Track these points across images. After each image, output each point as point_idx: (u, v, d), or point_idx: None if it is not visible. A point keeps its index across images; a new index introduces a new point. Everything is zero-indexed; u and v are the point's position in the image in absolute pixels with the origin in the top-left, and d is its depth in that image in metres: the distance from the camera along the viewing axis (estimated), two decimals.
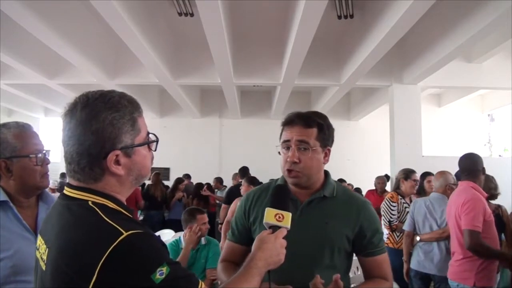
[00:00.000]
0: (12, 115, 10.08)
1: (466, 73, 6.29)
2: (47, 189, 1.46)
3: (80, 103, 0.84)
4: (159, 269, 0.74)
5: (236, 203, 4.18)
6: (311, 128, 1.27)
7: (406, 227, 3.25)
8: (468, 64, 6.27)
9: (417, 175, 3.67)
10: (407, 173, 3.67)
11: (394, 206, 3.52)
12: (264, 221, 1.05)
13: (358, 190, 7.30)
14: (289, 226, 1.04)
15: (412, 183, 3.60)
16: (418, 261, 3.10)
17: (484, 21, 3.98)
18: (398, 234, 3.48)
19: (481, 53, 5.98)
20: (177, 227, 4.76)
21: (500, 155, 9.36)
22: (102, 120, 0.82)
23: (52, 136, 9.76)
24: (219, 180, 7.32)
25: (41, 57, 5.84)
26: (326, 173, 1.38)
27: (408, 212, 3.45)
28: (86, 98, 0.85)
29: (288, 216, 1.05)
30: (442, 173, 3.25)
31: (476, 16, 4.11)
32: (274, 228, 1.04)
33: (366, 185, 6.99)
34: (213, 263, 2.84)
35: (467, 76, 6.31)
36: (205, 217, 3.02)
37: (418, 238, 3.12)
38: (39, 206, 1.38)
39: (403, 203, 3.58)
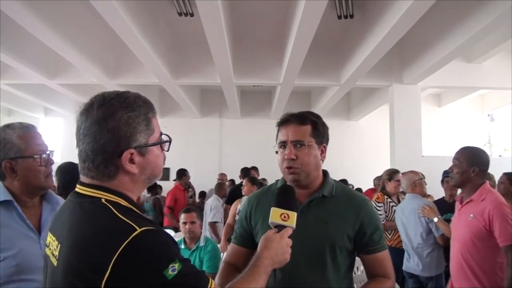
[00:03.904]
0: (12, 115, 10.06)
1: (466, 73, 6.29)
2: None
3: (96, 102, 0.86)
4: (171, 265, 0.75)
5: (236, 205, 4.17)
6: (306, 125, 1.30)
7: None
8: (468, 64, 6.27)
9: (401, 175, 3.75)
10: (391, 174, 3.80)
11: (380, 207, 3.63)
12: (269, 221, 1.07)
13: (358, 190, 7.31)
14: (294, 225, 1.06)
15: (396, 183, 3.70)
16: (405, 261, 3.21)
17: (484, 21, 3.98)
18: (390, 232, 3.55)
19: (481, 53, 5.99)
20: None
21: (500, 155, 9.36)
22: (118, 119, 0.84)
23: (52, 136, 9.78)
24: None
25: (41, 57, 5.84)
26: (325, 173, 1.39)
27: (395, 210, 3.56)
28: (102, 98, 0.87)
29: (293, 215, 1.06)
30: (405, 174, 3.40)
31: (476, 16, 4.11)
32: (280, 228, 1.05)
33: (366, 185, 7.00)
34: (208, 268, 2.78)
35: (467, 76, 6.31)
36: (188, 216, 2.97)
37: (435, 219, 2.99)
38: (43, 206, 1.40)
39: (389, 202, 3.69)
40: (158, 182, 7.30)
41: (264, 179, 6.26)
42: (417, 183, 3.23)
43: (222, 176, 6.53)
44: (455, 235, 2.24)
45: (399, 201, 3.72)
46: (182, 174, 5.84)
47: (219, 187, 5.35)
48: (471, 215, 2.08)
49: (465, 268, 2.09)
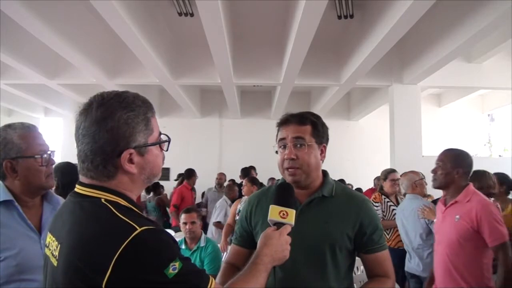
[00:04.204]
0: (12, 115, 10.06)
1: (466, 73, 6.29)
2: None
3: (95, 102, 0.86)
4: (172, 264, 0.76)
5: (236, 205, 4.16)
6: (306, 125, 1.30)
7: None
8: (468, 64, 6.27)
9: (397, 174, 3.78)
10: (386, 174, 3.85)
11: (377, 206, 3.67)
12: (268, 218, 1.07)
13: (358, 190, 7.31)
14: (293, 222, 1.06)
15: (391, 183, 3.74)
16: (407, 262, 3.22)
17: (484, 21, 3.98)
18: (388, 232, 3.56)
19: (481, 53, 5.98)
20: None
21: (500, 155, 9.36)
22: (117, 119, 0.83)
23: (52, 136, 9.77)
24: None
25: (41, 57, 5.84)
26: (325, 173, 1.39)
27: (393, 209, 3.61)
28: (101, 98, 0.86)
29: (292, 213, 1.07)
30: (405, 174, 3.41)
31: (476, 16, 4.11)
32: (279, 225, 1.05)
33: (366, 185, 7.00)
34: (209, 270, 2.79)
35: (467, 76, 6.31)
36: (188, 216, 2.98)
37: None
38: (44, 206, 1.40)
39: (387, 202, 3.73)
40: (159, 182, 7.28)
41: (273, 179, 6.24)
42: (418, 183, 3.24)
43: (221, 175, 6.52)
44: (440, 237, 2.22)
45: (397, 201, 3.73)
46: (191, 174, 5.82)
47: (229, 189, 5.15)
48: (457, 216, 2.07)
49: (452, 269, 2.07)
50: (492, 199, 3.04)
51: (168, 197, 7.00)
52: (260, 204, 1.39)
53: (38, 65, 5.93)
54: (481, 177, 2.93)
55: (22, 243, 1.26)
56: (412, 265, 3.11)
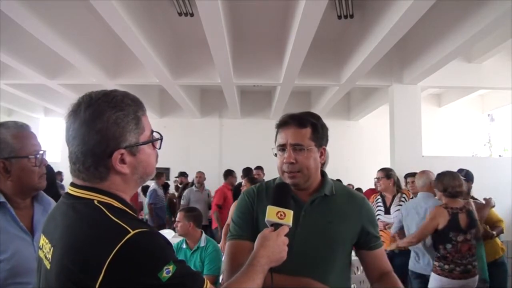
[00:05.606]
0: (12, 115, 10.05)
1: (466, 73, 6.28)
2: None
3: (83, 103, 0.84)
4: (165, 267, 0.75)
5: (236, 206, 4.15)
6: (305, 128, 1.28)
7: (392, 230, 3.34)
8: (468, 64, 6.26)
9: (377, 173, 3.90)
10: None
11: None
12: (266, 219, 1.06)
13: (358, 190, 7.31)
14: (290, 223, 1.05)
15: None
16: (413, 262, 3.19)
17: (484, 21, 3.97)
18: None
19: (481, 53, 5.97)
20: None
21: (500, 155, 9.35)
22: (106, 120, 0.82)
23: (52, 136, 9.77)
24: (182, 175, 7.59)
25: (41, 57, 5.83)
26: (323, 173, 1.39)
27: (377, 209, 3.69)
28: (89, 98, 0.85)
29: (289, 213, 1.06)
30: (424, 173, 3.36)
31: (476, 16, 4.10)
32: (276, 226, 1.04)
33: (367, 185, 6.99)
34: (209, 270, 2.82)
35: (467, 76, 6.30)
36: (177, 216, 3.06)
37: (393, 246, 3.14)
38: (35, 207, 1.37)
39: (378, 203, 3.81)
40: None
41: None
42: (434, 184, 3.20)
43: (200, 174, 6.50)
44: None
45: (390, 202, 3.70)
46: (229, 174, 6.09)
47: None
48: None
49: None
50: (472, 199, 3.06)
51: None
52: (260, 199, 1.34)
53: (38, 65, 5.93)
54: (443, 178, 2.91)
55: (16, 246, 1.22)
56: (421, 265, 3.07)
